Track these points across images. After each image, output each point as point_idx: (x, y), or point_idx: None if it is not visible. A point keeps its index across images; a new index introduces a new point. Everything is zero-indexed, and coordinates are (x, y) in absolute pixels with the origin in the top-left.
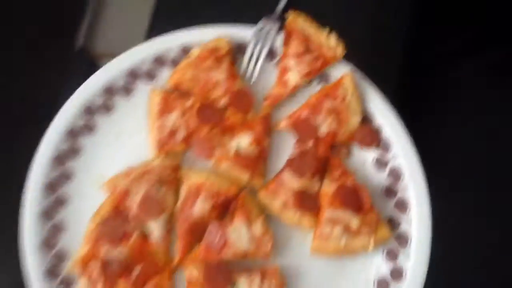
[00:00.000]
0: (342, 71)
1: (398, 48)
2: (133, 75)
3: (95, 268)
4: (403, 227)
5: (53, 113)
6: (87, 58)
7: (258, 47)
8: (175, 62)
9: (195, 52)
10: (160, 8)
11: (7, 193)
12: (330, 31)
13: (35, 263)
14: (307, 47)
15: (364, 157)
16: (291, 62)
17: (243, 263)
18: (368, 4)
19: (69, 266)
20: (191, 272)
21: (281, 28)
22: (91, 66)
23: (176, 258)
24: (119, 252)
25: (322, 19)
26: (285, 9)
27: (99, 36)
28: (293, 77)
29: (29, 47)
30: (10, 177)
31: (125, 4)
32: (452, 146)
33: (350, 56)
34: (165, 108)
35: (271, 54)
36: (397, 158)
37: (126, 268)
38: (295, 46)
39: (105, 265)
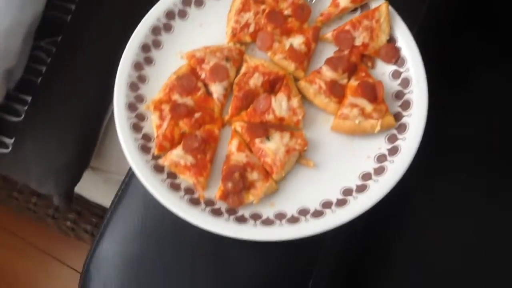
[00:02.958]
0: (380, 3)
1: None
2: None
3: (166, 108)
4: (405, 119)
5: None
6: None
7: None
8: None
9: None
10: None
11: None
12: None
13: (120, 97)
14: None
15: (384, 69)
16: None
17: (278, 127)
18: None
19: (146, 104)
20: (237, 125)
21: None
22: None
23: (228, 114)
24: (186, 100)
25: None
26: None
27: None
28: (344, 1)
29: None
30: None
31: None
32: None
33: None
34: (243, 8)
35: None
36: (408, 71)
37: (188, 113)
38: None
39: (174, 107)
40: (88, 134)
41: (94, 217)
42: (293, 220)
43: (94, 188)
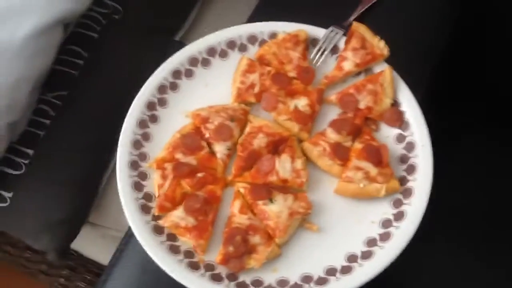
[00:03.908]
0: (383, 68)
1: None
2: (231, 45)
3: (168, 166)
4: (410, 184)
5: None
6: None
7: (326, 43)
8: (263, 42)
9: (280, 36)
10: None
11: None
12: (381, 38)
13: (123, 155)
14: (363, 45)
15: (388, 133)
16: (348, 53)
17: (281, 189)
18: (413, 25)
19: (149, 163)
20: (240, 187)
21: (345, 34)
22: None
23: (232, 175)
24: (189, 160)
25: (377, 31)
26: (351, 23)
27: (197, 35)
28: (348, 65)
29: (135, 32)
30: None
31: (225, 10)
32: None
33: (391, 60)
34: (249, 70)
35: (334, 50)
36: (413, 135)
37: (191, 172)
38: (354, 43)
39: (177, 166)
40: (88, 189)
41: (89, 274)
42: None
43: (90, 244)
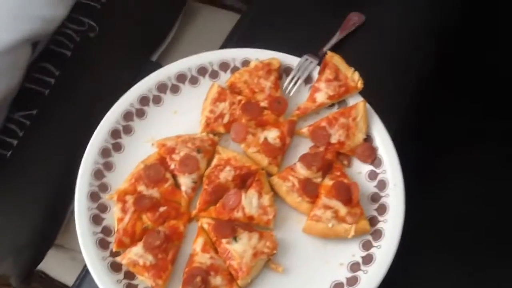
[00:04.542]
0: (357, 100)
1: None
2: (202, 71)
3: (130, 199)
4: (380, 225)
5: None
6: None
7: (299, 72)
8: (235, 69)
9: (253, 63)
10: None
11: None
12: (355, 70)
13: (83, 185)
14: (336, 77)
15: (361, 169)
16: (322, 84)
17: (246, 226)
18: (389, 57)
19: (110, 194)
20: (204, 222)
21: (319, 63)
22: None
23: (196, 209)
24: (152, 192)
25: (351, 62)
26: (325, 52)
27: (175, 55)
28: (321, 97)
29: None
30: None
31: (200, 32)
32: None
33: (366, 92)
34: (219, 98)
35: (307, 80)
36: (385, 173)
37: (153, 206)
38: (327, 74)
39: (139, 199)
40: (54, 211)
41: None
42: None
43: (58, 266)
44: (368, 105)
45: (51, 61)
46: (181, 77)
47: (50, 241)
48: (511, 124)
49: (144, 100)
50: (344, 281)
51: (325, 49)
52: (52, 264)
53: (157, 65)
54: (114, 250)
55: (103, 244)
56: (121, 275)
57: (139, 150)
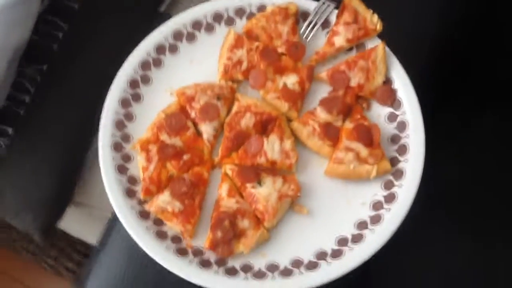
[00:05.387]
0: (376, 43)
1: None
2: (217, 18)
3: (153, 148)
4: (401, 165)
5: None
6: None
7: (317, 17)
8: (251, 15)
9: (269, 8)
10: None
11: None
12: (374, 12)
13: (106, 136)
14: (355, 19)
15: (380, 112)
16: (340, 28)
17: (270, 170)
18: (409, 3)
19: (133, 144)
20: (228, 168)
21: (337, 7)
22: None
23: (219, 156)
24: (175, 141)
25: (371, 5)
26: None
27: (182, 5)
28: (339, 40)
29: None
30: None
31: None
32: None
33: (385, 36)
34: (236, 45)
35: (325, 24)
36: (405, 114)
37: (177, 154)
38: (346, 16)
39: (162, 148)
40: (70, 168)
41: (77, 254)
42: (286, 272)
43: (78, 224)
44: (387, 48)
45: (59, 14)
46: (196, 25)
47: (67, 197)
48: None
49: (160, 49)
50: (368, 220)
51: None
52: (70, 222)
53: (167, 16)
54: (142, 198)
55: (130, 193)
56: (150, 222)
57: (159, 100)
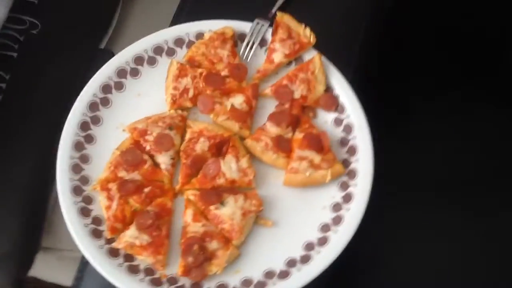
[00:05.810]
0: (312, 55)
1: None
2: (158, 50)
3: (113, 186)
4: (353, 165)
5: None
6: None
7: (253, 37)
8: (191, 43)
9: (207, 35)
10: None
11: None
12: (306, 25)
13: (64, 181)
14: (289, 35)
15: (326, 118)
16: (277, 45)
17: (230, 190)
18: (335, 7)
19: (92, 186)
20: (190, 194)
21: (270, 25)
22: None
23: (179, 184)
24: (133, 176)
25: (301, 19)
26: (275, 14)
27: (123, 40)
28: (278, 57)
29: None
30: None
31: (147, 11)
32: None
33: (319, 45)
34: (180, 74)
35: (262, 43)
36: (349, 117)
37: (137, 188)
38: (280, 34)
39: (122, 184)
40: (34, 214)
41: None
42: (260, 285)
43: (49, 269)
44: (323, 57)
45: None
46: (138, 60)
47: (37, 245)
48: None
49: (106, 88)
50: (330, 222)
51: (273, 10)
52: (43, 268)
53: (107, 52)
54: (108, 237)
55: (96, 233)
56: (120, 259)
57: (111, 139)
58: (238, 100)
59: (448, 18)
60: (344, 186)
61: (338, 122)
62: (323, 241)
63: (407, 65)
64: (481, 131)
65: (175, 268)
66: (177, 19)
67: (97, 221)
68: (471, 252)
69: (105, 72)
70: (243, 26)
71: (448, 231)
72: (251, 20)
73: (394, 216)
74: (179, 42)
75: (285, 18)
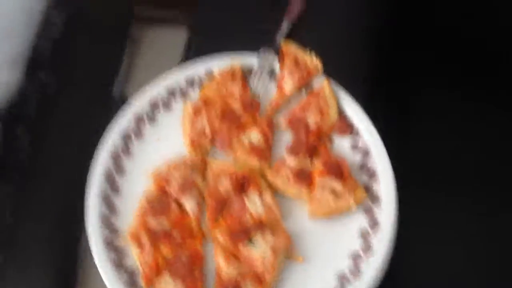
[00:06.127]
0: (322, 80)
1: (363, 67)
2: (172, 93)
3: (143, 236)
4: (375, 189)
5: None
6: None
7: (261, 69)
8: (201, 83)
9: (216, 73)
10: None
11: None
12: (311, 52)
13: (96, 234)
14: (296, 64)
15: (343, 143)
16: (286, 75)
17: (258, 226)
18: (338, 30)
19: (123, 237)
20: (218, 234)
21: (277, 54)
22: None
23: (207, 226)
24: (162, 221)
25: (306, 45)
26: (279, 43)
27: (134, 83)
28: (288, 87)
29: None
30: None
31: (155, 55)
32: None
33: (327, 70)
34: (195, 115)
35: (271, 73)
36: (365, 139)
37: (167, 234)
38: (288, 64)
39: (151, 233)
40: (65, 274)
41: None
42: None
43: None
44: (332, 82)
45: (19, 124)
46: (154, 105)
47: None
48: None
49: (126, 138)
50: (360, 249)
51: (278, 40)
52: None
53: (121, 99)
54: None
55: (132, 284)
56: None
57: (136, 187)
58: (254, 135)
59: (448, 18)
60: (368, 211)
61: (355, 145)
62: (355, 271)
63: (407, 65)
64: (481, 131)
65: None
66: (186, 58)
67: (130, 272)
68: (471, 252)
69: (123, 121)
70: (250, 59)
71: (447, 231)
72: (258, 46)
73: None
74: (190, 82)
75: (290, 48)
